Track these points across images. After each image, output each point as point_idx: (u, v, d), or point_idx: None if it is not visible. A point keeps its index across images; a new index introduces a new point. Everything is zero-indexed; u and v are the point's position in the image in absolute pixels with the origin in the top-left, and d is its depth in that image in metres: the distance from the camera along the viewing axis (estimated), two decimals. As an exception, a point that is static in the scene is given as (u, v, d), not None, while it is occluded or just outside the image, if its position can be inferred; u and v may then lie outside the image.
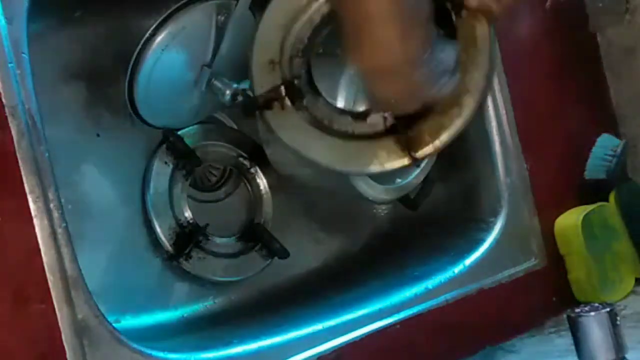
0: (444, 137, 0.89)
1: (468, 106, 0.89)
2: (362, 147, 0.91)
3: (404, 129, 0.89)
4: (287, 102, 0.91)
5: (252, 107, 0.92)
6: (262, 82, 0.92)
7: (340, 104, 1.06)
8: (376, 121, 0.91)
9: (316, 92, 0.93)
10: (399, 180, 1.19)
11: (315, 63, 0.95)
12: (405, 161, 0.90)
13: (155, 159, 1.15)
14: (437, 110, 0.88)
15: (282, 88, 0.91)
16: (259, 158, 1.23)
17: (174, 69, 1.10)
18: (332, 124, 0.91)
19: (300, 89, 0.92)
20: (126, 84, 1.09)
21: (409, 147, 0.89)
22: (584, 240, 1.27)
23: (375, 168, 0.91)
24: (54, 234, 0.86)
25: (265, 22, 0.93)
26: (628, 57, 1.42)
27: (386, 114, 0.90)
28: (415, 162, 0.90)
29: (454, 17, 0.89)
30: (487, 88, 0.91)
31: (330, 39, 0.95)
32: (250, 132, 1.24)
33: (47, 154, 0.88)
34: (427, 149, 0.89)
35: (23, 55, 0.88)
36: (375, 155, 0.90)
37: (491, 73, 0.91)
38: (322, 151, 0.92)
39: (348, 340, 1.06)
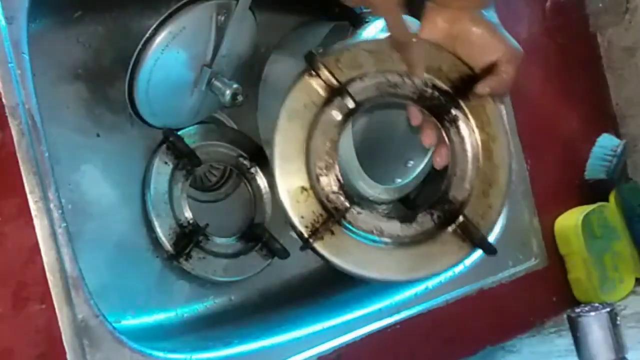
0: (494, 216, 0.93)
1: (503, 182, 0.93)
2: (423, 250, 0.90)
3: (454, 220, 0.91)
4: (335, 226, 0.87)
5: (305, 244, 0.87)
6: (301, 212, 0.87)
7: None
8: (424, 219, 0.91)
9: (357, 204, 0.89)
10: (399, 180, 1.19)
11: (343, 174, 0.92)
12: (467, 250, 0.91)
13: (155, 159, 1.15)
14: (479, 193, 0.92)
15: (327, 215, 0.87)
16: (259, 158, 1.23)
17: (174, 69, 1.10)
18: (382, 234, 0.89)
19: (341, 210, 0.88)
20: (126, 83, 1.09)
21: (465, 234, 0.91)
22: (584, 240, 1.27)
23: (442, 267, 0.92)
24: (54, 234, 0.86)
25: (281, 151, 0.88)
26: (628, 57, 1.42)
27: (433, 211, 0.92)
28: (479, 247, 0.92)
29: (461, 103, 0.92)
30: (512, 158, 0.95)
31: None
32: (250, 132, 1.24)
33: (47, 154, 0.87)
34: (485, 231, 0.92)
35: (23, 55, 0.88)
36: (438, 253, 0.91)
37: (509, 144, 0.96)
38: (385, 267, 0.89)
39: (348, 341, 1.06)
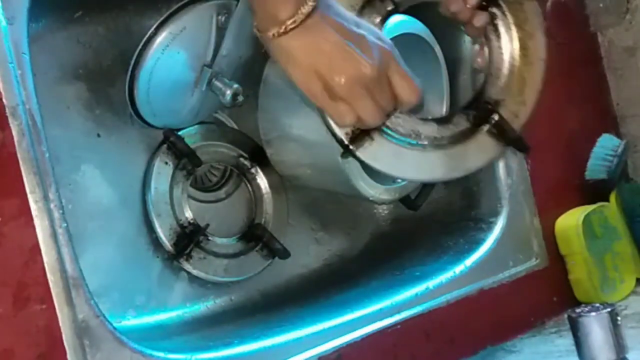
0: (527, 112, 0.94)
1: (537, 78, 0.94)
2: (459, 149, 0.92)
3: (489, 119, 0.92)
4: (375, 132, 0.88)
5: (345, 150, 0.88)
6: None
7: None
8: (460, 119, 0.93)
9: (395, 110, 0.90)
10: (399, 180, 1.19)
11: None
12: (501, 148, 0.93)
13: (156, 159, 1.15)
14: (512, 91, 0.93)
15: None
16: (260, 158, 1.23)
17: (174, 69, 1.10)
18: (419, 136, 0.90)
19: None
20: (127, 84, 1.09)
21: (499, 133, 0.92)
22: (585, 240, 1.27)
23: (479, 163, 0.93)
24: (54, 234, 0.86)
25: None
26: (629, 57, 1.42)
27: (468, 111, 0.93)
28: (513, 145, 0.93)
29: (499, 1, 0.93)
30: (547, 56, 0.95)
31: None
32: (250, 132, 1.24)
33: (47, 154, 0.87)
34: (518, 129, 0.93)
35: (24, 55, 0.88)
36: (474, 152, 0.92)
37: (545, 40, 0.96)
38: (423, 168, 0.91)
39: (349, 341, 1.06)
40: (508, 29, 0.94)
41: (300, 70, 0.81)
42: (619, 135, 1.41)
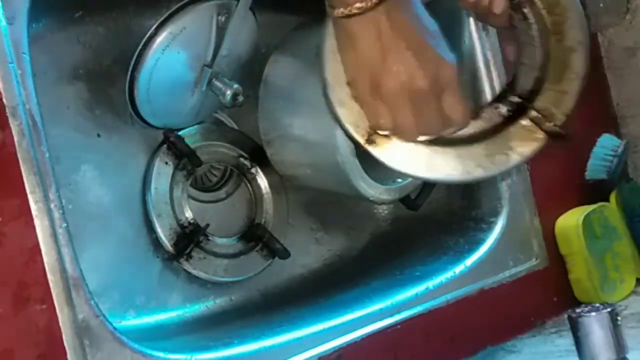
0: (570, 101, 0.87)
1: (578, 64, 0.88)
2: (491, 145, 0.85)
3: (524, 112, 0.86)
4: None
5: (359, 149, 0.83)
6: (357, 121, 0.83)
7: None
8: (490, 114, 0.87)
9: None
10: (399, 180, 1.19)
11: None
12: (542, 140, 0.86)
13: (156, 159, 1.15)
14: (551, 80, 0.87)
15: None
16: (260, 158, 1.23)
17: (174, 69, 1.10)
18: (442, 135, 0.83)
19: None
20: (127, 84, 1.09)
21: (539, 125, 0.85)
22: (585, 240, 1.27)
23: (516, 159, 0.86)
24: (54, 234, 0.86)
25: (331, 58, 0.83)
26: (629, 57, 1.42)
27: (499, 104, 0.86)
28: (552, 137, 0.86)
29: None
30: (589, 40, 0.89)
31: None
32: (250, 133, 1.24)
33: (47, 154, 0.87)
34: (559, 119, 0.86)
35: (24, 55, 0.88)
36: (509, 147, 0.85)
37: (585, 24, 0.89)
38: (451, 167, 0.84)
39: (349, 341, 1.06)
40: (538, 15, 0.87)
41: (354, 58, 0.78)
42: (619, 135, 1.42)
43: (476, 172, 0.85)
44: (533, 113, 0.86)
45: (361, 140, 0.84)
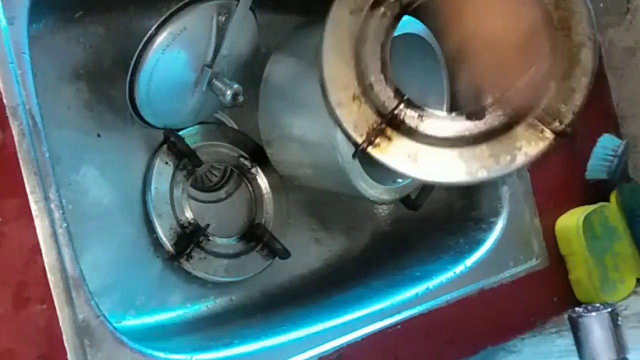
0: (578, 98, 0.86)
1: (586, 59, 0.86)
2: (496, 145, 0.85)
3: (529, 110, 0.84)
4: (392, 132, 0.83)
5: (358, 152, 0.83)
6: (356, 122, 0.83)
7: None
8: (494, 115, 0.85)
9: (416, 107, 0.84)
10: (399, 180, 1.19)
11: (396, 78, 0.86)
12: (550, 140, 0.85)
13: (156, 159, 1.15)
14: (558, 77, 0.85)
15: (382, 122, 0.83)
16: (260, 158, 1.23)
17: (175, 70, 1.10)
18: (447, 134, 0.84)
19: (398, 114, 0.84)
20: (127, 84, 1.09)
21: (546, 124, 0.84)
22: (585, 240, 1.27)
23: (521, 160, 0.85)
24: (54, 234, 0.86)
25: (330, 59, 0.84)
26: (629, 57, 1.42)
27: (503, 104, 0.84)
28: (561, 136, 0.84)
29: None
30: (596, 33, 0.86)
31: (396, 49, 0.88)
32: (251, 132, 1.24)
33: (48, 155, 0.87)
34: (567, 117, 0.85)
35: (24, 55, 0.88)
36: (514, 148, 0.84)
37: (593, 17, 0.87)
38: (455, 169, 0.84)
39: (349, 341, 1.06)
40: (543, 10, 0.85)
41: None
42: (619, 135, 1.41)
43: (479, 174, 0.85)
44: (539, 112, 0.85)
45: (360, 141, 0.83)
